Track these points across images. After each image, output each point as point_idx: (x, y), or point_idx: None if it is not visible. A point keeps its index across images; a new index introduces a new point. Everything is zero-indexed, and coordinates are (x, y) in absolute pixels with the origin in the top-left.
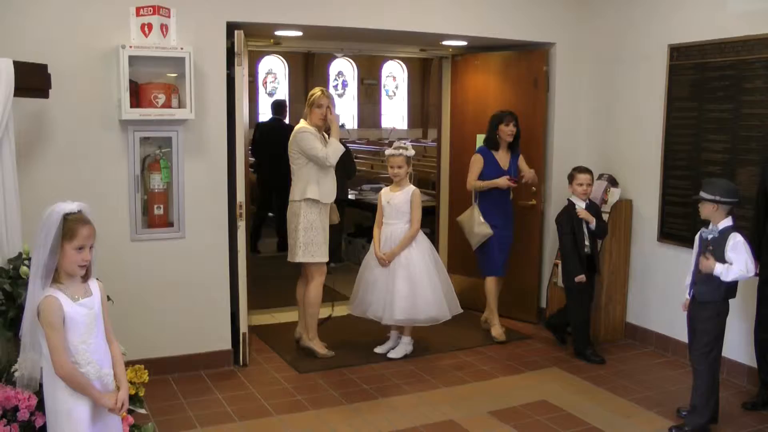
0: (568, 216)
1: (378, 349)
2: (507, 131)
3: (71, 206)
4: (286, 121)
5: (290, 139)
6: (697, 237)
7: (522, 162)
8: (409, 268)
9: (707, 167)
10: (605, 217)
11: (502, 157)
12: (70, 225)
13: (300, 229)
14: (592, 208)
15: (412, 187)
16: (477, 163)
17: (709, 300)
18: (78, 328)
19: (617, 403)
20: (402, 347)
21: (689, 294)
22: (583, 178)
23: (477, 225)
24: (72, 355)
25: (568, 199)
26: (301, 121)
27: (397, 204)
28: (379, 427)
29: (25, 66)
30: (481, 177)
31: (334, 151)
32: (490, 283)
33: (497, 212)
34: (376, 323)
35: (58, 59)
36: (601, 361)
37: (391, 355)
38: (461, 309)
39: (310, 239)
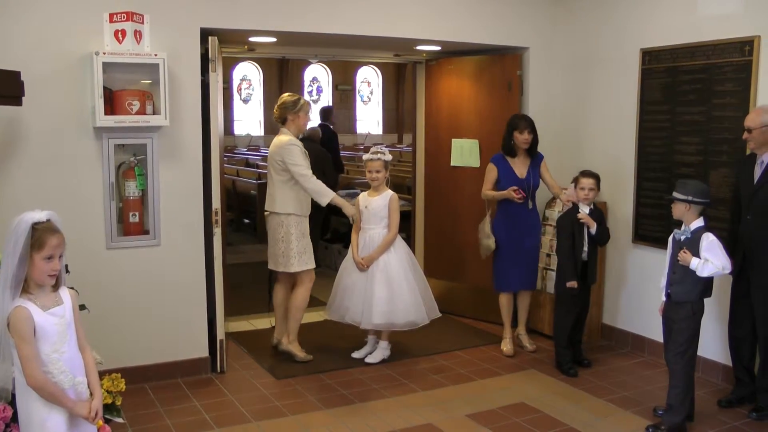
0: (569, 219)
1: (356, 354)
2: (522, 139)
3: (39, 215)
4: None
5: (275, 149)
6: (670, 239)
7: (545, 170)
8: (387, 272)
9: (680, 169)
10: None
11: (519, 165)
12: (39, 235)
13: (293, 239)
14: (596, 213)
15: (390, 192)
16: (490, 172)
17: (685, 300)
18: (49, 338)
19: (594, 404)
20: (380, 352)
21: (665, 296)
22: (585, 182)
23: (484, 237)
24: (44, 364)
25: (572, 203)
26: (284, 130)
27: (375, 209)
28: (357, 431)
29: None
30: (499, 186)
31: (323, 191)
32: (502, 300)
33: (514, 222)
34: (354, 328)
35: (31, 66)
36: (575, 374)
37: (368, 359)
38: (439, 313)
39: (303, 248)
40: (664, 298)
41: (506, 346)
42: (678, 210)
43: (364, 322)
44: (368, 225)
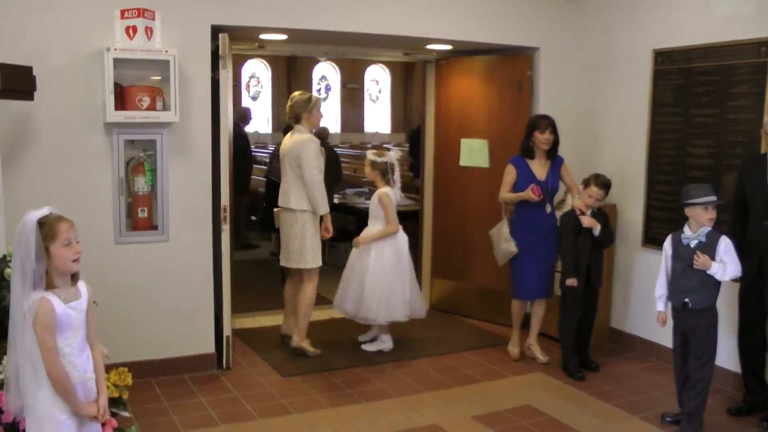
0: (572, 217)
1: (362, 337)
2: (542, 139)
3: (41, 211)
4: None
5: (294, 145)
6: (668, 245)
7: (566, 173)
8: (379, 268)
9: (692, 172)
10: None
11: (538, 167)
12: (48, 227)
13: (308, 236)
14: (600, 215)
15: (380, 190)
16: (509, 174)
17: (706, 306)
18: (65, 331)
19: (601, 408)
20: (378, 343)
21: (662, 307)
22: (597, 192)
23: (503, 241)
24: None
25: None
26: (300, 128)
27: (372, 206)
28: (363, 430)
29: (11, 68)
30: (517, 188)
31: (325, 201)
32: (515, 305)
33: (532, 226)
34: (360, 325)
35: (43, 61)
36: (582, 377)
37: (365, 347)
38: (423, 314)
39: (316, 245)
40: (660, 308)
41: (514, 348)
42: (713, 214)
43: (358, 316)
44: (370, 220)
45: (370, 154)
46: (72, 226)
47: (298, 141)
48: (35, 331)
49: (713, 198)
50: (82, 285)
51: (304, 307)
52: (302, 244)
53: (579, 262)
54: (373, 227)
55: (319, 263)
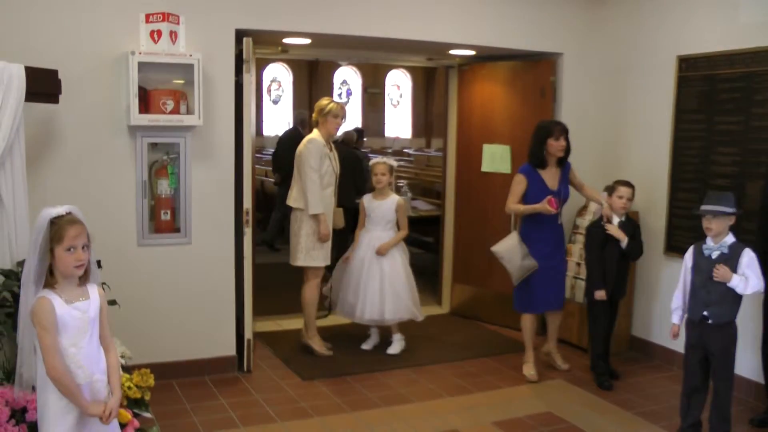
0: (599, 228)
1: (365, 346)
2: (557, 146)
3: (58, 210)
4: None
5: (299, 145)
6: (689, 256)
7: (574, 176)
8: (382, 270)
9: (716, 180)
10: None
11: (550, 176)
12: (57, 228)
13: (302, 234)
14: (630, 225)
15: (396, 197)
16: (519, 184)
17: (728, 320)
18: (68, 331)
19: (622, 417)
20: (397, 344)
21: (677, 319)
22: (625, 191)
23: (522, 257)
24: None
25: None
26: (315, 131)
27: (383, 212)
28: None
29: (37, 71)
30: (527, 200)
31: (315, 201)
32: (526, 321)
33: (544, 239)
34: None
35: (68, 65)
36: (609, 387)
37: (390, 351)
38: (406, 317)
39: (312, 244)
40: (675, 321)
41: (530, 370)
42: (724, 224)
43: (358, 316)
44: (372, 226)
45: (389, 160)
46: (81, 233)
47: (303, 141)
48: (35, 330)
49: (702, 207)
50: (92, 287)
51: (303, 306)
52: (296, 242)
53: (606, 274)
54: (383, 233)
55: (313, 263)
